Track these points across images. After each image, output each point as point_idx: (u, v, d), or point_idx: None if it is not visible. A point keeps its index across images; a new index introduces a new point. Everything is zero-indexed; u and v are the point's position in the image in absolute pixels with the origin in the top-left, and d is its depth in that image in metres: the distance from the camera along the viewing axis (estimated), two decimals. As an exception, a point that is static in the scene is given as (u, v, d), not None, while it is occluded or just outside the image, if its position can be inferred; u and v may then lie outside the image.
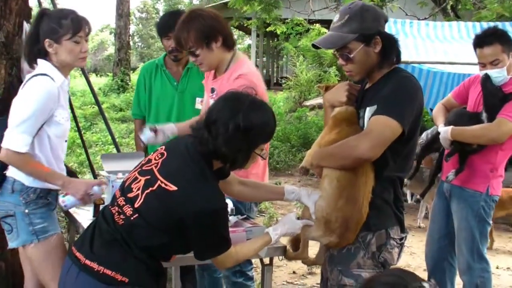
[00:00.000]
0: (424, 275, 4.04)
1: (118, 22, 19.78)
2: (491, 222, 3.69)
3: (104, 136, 10.76)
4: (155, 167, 2.21)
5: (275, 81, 25.90)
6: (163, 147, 2.32)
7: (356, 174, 2.38)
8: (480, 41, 3.52)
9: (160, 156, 2.25)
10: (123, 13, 19.70)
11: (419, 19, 10.41)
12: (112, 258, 2.15)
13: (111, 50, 34.24)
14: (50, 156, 2.89)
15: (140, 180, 2.22)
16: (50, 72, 2.84)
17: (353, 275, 2.45)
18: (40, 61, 2.88)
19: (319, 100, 14.34)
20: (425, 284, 1.65)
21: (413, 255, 5.86)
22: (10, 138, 2.73)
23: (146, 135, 3.19)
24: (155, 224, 2.14)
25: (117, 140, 5.80)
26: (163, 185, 2.14)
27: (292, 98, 16.56)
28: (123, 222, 2.17)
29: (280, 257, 2.84)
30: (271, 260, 2.87)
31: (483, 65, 3.53)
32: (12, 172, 2.86)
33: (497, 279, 5.16)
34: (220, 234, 2.22)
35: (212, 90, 3.28)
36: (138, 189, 2.19)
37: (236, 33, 36.83)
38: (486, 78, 3.49)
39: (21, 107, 2.78)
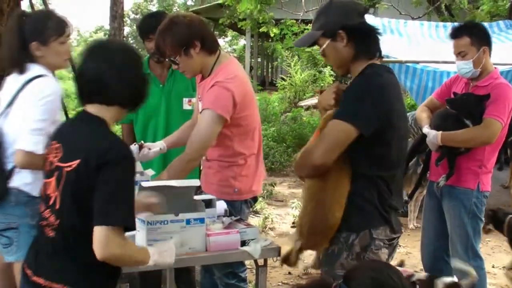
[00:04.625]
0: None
1: (112, 23, 19.64)
2: (483, 218, 3.70)
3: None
4: (57, 160, 2.11)
5: (269, 81, 25.89)
6: (55, 140, 2.19)
7: (326, 180, 2.38)
8: (452, 33, 3.63)
9: (56, 150, 2.14)
10: (117, 15, 19.57)
11: (413, 18, 10.42)
12: (57, 271, 2.06)
13: (105, 51, 34.13)
14: None
15: (50, 181, 2.11)
16: (47, 74, 2.75)
17: (338, 276, 2.39)
18: (31, 66, 2.75)
19: (314, 101, 14.34)
20: None
21: (408, 255, 5.85)
22: (28, 140, 2.58)
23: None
24: (76, 214, 2.02)
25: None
26: (67, 168, 2.04)
27: (287, 98, 16.57)
28: (53, 232, 2.08)
29: (275, 258, 2.82)
30: (265, 261, 2.84)
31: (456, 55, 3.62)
32: (16, 183, 2.68)
33: (493, 278, 5.15)
34: (122, 194, 2.01)
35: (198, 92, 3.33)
36: (53, 191, 2.09)
37: (231, 34, 36.85)
38: (449, 102, 3.58)
39: (35, 108, 2.63)
